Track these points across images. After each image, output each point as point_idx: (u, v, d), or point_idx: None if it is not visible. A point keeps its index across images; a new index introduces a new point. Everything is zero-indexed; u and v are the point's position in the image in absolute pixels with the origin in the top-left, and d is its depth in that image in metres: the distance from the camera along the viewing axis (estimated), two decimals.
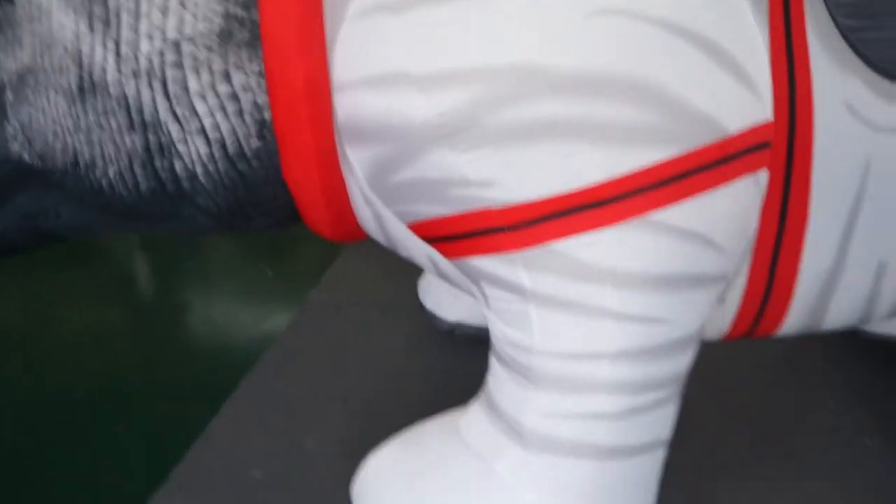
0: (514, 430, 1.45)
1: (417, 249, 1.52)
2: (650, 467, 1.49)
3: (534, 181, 1.28)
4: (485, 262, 1.39)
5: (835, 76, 1.34)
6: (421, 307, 2.43)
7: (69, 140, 1.44)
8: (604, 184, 1.26)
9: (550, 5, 1.23)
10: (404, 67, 1.27)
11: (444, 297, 2.31)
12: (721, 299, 1.51)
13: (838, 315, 1.60)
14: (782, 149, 1.35)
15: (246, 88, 1.36)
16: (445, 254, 1.44)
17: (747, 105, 1.30)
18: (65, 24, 1.35)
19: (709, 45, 1.27)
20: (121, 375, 2.32)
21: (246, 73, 1.35)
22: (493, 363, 1.50)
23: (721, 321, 1.58)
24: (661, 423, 1.45)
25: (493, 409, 1.49)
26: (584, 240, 1.30)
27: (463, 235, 1.38)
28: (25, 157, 1.46)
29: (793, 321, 1.60)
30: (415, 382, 2.16)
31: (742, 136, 1.30)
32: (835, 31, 1.33)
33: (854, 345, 2.25)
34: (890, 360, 2.14)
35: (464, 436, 1.53)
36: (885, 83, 1.35)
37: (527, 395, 1.43)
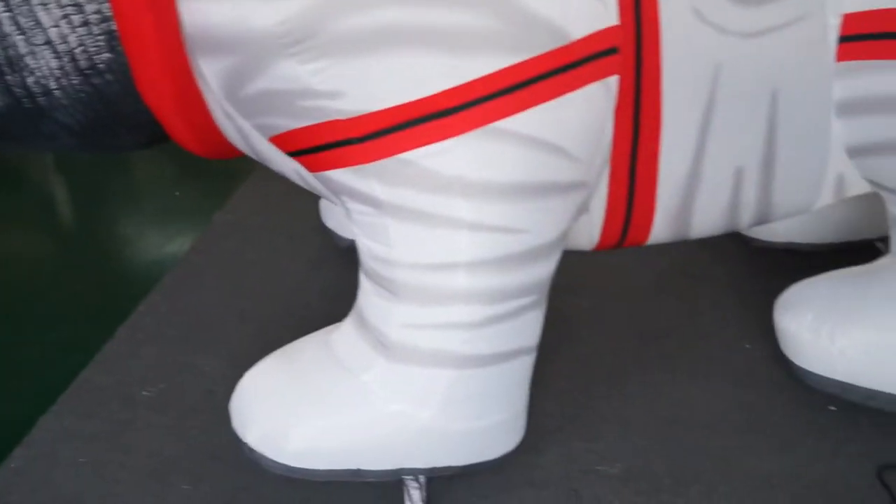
0: (379, 343, 1.47)
1: (285, 164, 1.51)
2: (515, 374, 1.52)
3: (380, 91, 1.27)
4: (342, 176, 1.38)
5: None
6: (323, 227, 2.43)
7: None
8: (448, 92, 1.26)
9: None
10: None
11: (344, 215, 2.31)
12: (584, 208, 1.52)
13: (704, 222, 1.63)
14: (630, 54, 1.35)
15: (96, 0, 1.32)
16: (307, 167, 1.43)
17: (591, 10, 1.30)
18: None
19: None
20: (24, 297, 2.30)
21: None
22: (362, 277, 1.51)
23: (589, 230, 1.60)
24: (524, 330, 1.48)
25: (362, 323, 1.51)
26: (433, 150, 1.30)
27: (318, 148, 1.37)
28: None
29: (660, 228, 1.62)
30: (313, 300, 2.17)
31: (587, 42, 1.30)
32: None
33: (742, 252, 2.29)
34: (774, 267, 2.18)
35: (335, 350, 1.54)
36: None
37: (390, 307, 1.44)
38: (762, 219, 1.68)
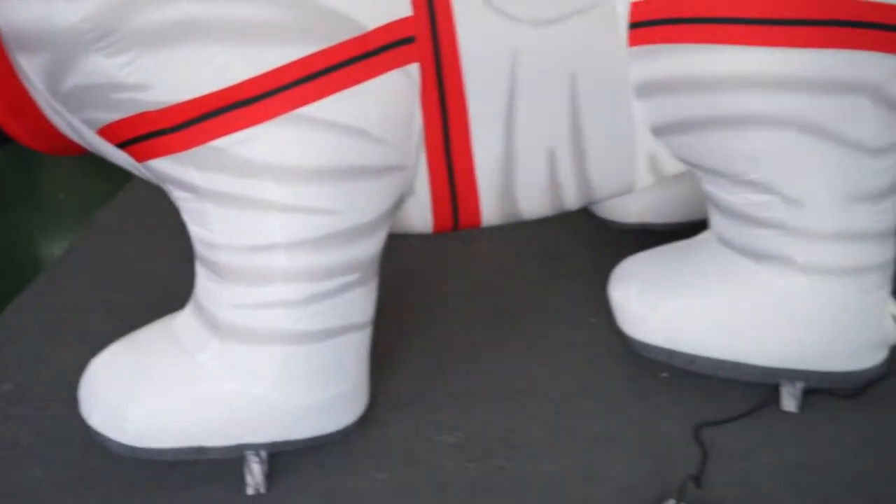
0: (212, 324, 1.54)
1: (118, 156, 1.57)
2: (348, 350, 1.60)
3: (186, 82, 1.35)
4: (163, 165, 1.45)
5: None
6: None
7: None
8: (249, 81, 1.34)
9: None
10: None
11: None
12: (410, 191, 1.61)
13: (531, 202, 1.73)
14: (428, 43, 1.44)
15: None
16: (134, 158, 1.50)
17: (383, 2, 1.39)
18: None
19: None
20: None
21: None
22: (196, 263, 1.58)
23: (421, 214, 1.69)
24: (351, 307, 1.56)
25: (198, 306, 1.58)
26: (241, 137, 1.37)
27: (136, 139, 1.44)
28: None
29: (489, 210, 1.72)
30: (184, 290, 2.22)
31: (381, 32, 1.38)
32: None
33: (601, 234, 2.40)
34: (629, 247, 2.28)
35: (175, 333, 1.61)
36: None
37: (218, 289, 1.51)
38: (588, 198, 1.78)
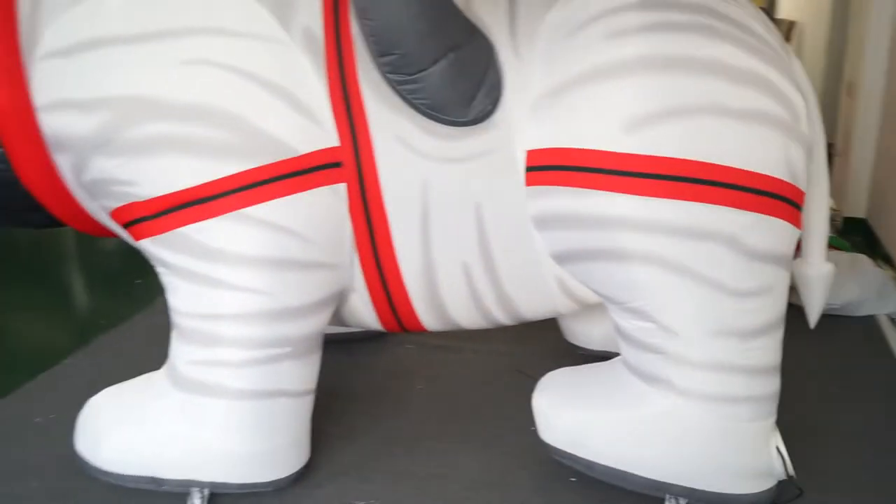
0: (174, 376, 1.92)
1: (127, 237, 2.02)
2: (281, 413, 1.93)
3: (159, 181, 1.79)
4: (147, 244, 1.88)
5: (387, 116, 1.82)
6: None
7: None
8: (205, 185, 1.76)
9: (157, 55, 1.76)
10: (71, 95, 1.80)
11: None
12: (348, 286, 1.97)
13: (460, 311, 2.04)
14: (353, 168, 1.83)
15: None
16: (133, 238, 1.94)
17: (313, 133, 1.79)
18: None
19: (277, 88, 1.77)
20: None
21: None
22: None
23: (367, 310, 2.04)
24: (283, 376, 1.90)
25: (168, 362, 1.97)
26: (199, 227, 1.79)
27: (130, 223, 1.88)
28: None
29: (426, 315, 2.05)
30: None
31: (311, 156, 1.79)
32: (384, 84, 1.81)
33: (572, 358, 2.65)
34: None
35: (152, 383, 1.99)
36: (429, 123, 1.83)
37: (178, 346, 1.91)
38: (515, 314, 2.08)
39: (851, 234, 3.96)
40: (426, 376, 2.62)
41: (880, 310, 3.07)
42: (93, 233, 2.17)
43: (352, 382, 2.57)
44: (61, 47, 1.79)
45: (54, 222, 2.17)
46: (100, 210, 1.98)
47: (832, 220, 4.09)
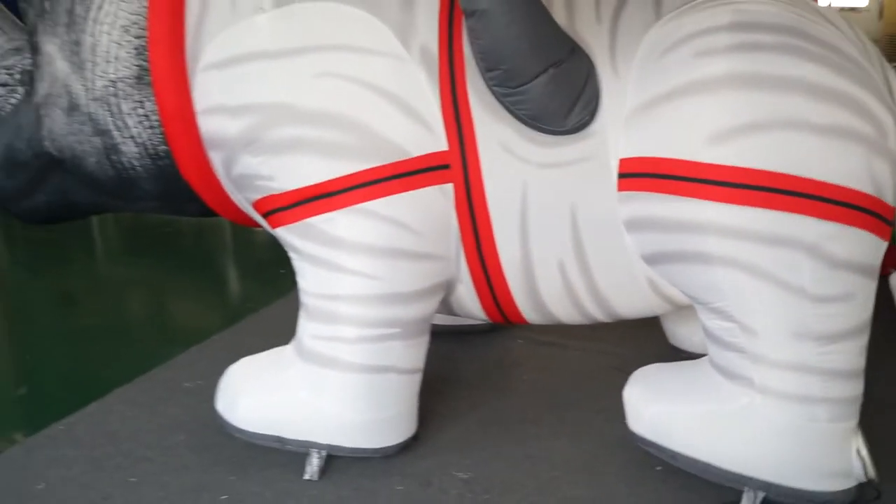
0: (299, 349, 2.19)
1: (266, 224, 2.32)
2: (389, 387, 2.16)
3: (293, 177, 2.06)
4: (281, 232, 2.17)
5: (492, 125, 2.03)
6: None
7: (68, 141, 2.35)
8: (330, 181, 2.02)
9: (295, 68, 2.03)
10: (224, 102, 2.10)
11: None
12: (455, 277, 2.19)
13: (559, 307, 2.22)
14: (459, 171, 2.05)
15: (152, 112, 2.22)
16: (270, 226, 2.23)
17: (425, 139, 2.02)
18: (60, 67, 2.28)
19: (396, 99, 2.01)
20: None
21: (152, 102, 2.21)
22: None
23: (472, 301, 2.26)
24: (392, 354, 2.13)
25: (295, 336, 2.25)
26: (324, 218, 2.05)
27: (269, 213, 2.17)
28: (53, 151, 2.39)
29: (526, 309, 2.24)
30: None
31: (422, 159, 2.02)
32: (490, 94, 2.02)
33: (674, 356, 2.76)
34: None
35: (284, 351, 2.26)
36: (530, 131, 2.02)
37: (304, 323, 2.18)
38: (610, 312, 2.24)
39: None
40: (532, 367, 2.81)
41: None
42: (237, 221, 2.48)
43: (461, 369, 2.79)
44: (218, 61, 2.10)
45: (206, 212, 2.50)
46: (244, 201, 2.28)
47: None
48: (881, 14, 9.25)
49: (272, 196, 2.12)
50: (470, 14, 1.96)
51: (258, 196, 2.17)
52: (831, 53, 1.91)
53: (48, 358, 3.21)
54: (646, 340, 2.88)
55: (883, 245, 1.98)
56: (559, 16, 2.07)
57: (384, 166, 2.02)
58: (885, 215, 1.95)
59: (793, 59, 1.90)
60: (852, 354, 1.98)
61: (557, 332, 2.97)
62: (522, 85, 1.98)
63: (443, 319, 2.87)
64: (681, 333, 2.76)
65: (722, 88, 1.90)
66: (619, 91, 2.02)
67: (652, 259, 2.07)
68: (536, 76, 1.97)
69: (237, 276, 4.17)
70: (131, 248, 4.50)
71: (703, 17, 1.98)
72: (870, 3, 9.60)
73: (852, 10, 9.65)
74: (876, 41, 8.13)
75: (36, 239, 4.54)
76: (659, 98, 1.97)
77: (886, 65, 2.08)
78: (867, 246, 1.93)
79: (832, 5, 9.35)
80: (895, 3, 8.81)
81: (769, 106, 1.88)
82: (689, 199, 1.94)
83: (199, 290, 3.90)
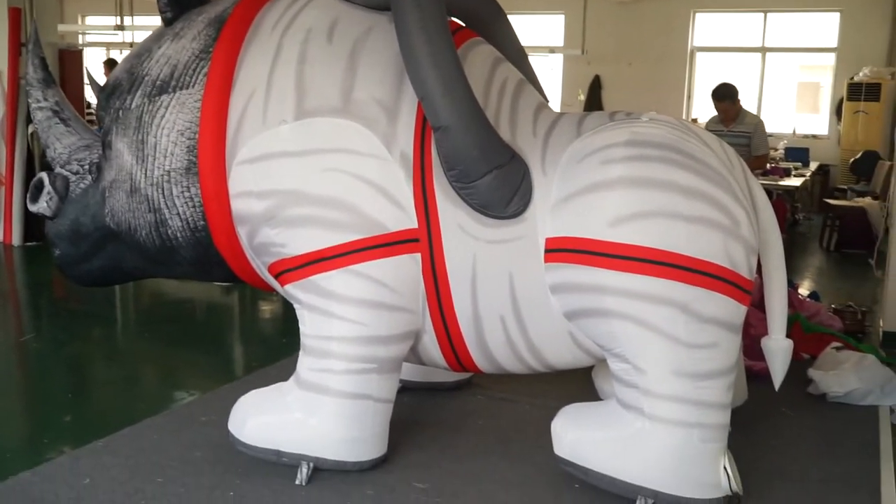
0: (297, 378, 2.82)
1: (276, 285, 2.98)
2: (367, 412, 2.76)
3: (301, 244, 2.73)
4: (288, 288, 2.83)
5: (451, 210, 2.70)
6: None
7: (125, 217, 3.04)
8: (329, 248, 2.69)
9: (307, 164, 2.73)
10: (252, 188, 2.79)
11: None
12: (422, 328, 2.84)
13: (503, 356, 2.85)
14: (426, 243, 2.72)
15: (196, 195, 2.91)
16: (281, 284, 2.90)
17: (402, 218, 2.70)
18: (127, 160, 2.99)
19: (381, 189, 2.70)
20: None
21: (196, 187, 2.90)
22: None
23: (434, 349, 2.90)
24: (371, 385, 2.75)
25: (296, 370, 2.88)
26: (323, 276, 2.72)
27: (280, 273, 2.84)
28: (112, 225, 3.08)
29: (477, 356, 2.87)
30: None
31: (399, 233, 2.70)
32: (451, 187, 2.71)
33: None
34: None
35: (288, 382, 2.89)
36: (480, 216, 2.69)
37: (302, 358, 2.82)
38: (544, 362, 2.86)
39: (891, 346, 4.48)
40: (486, 414, 3.42)
41: (883, 402, 3.64)
42: (253, 283, 3.14)
43: (428, 413, 3.40)
44: (250, 157, 2.80)
45: (229, 276, 3.16)
46: (261, 265, 2.95)
47: (873, 332, 4.70)
48: (839, 141, 10.20)
49: (284, 259, 2.79)
50: (436, 129, 2.67)
51: (272, 259, 2.84)
52: (699, 164, 2.62)
53: (89, 398, 3.82)
54: (583, 397, 3.48)
55: (742, 308, 2.63)
56: (504, 132, 2.79)
57: (370, 238, 2.70)
58: (741, 285, 2.61)
59: (670, 168, 2.59)
60: (721, 390, 2.60)
61: (511, 390, 3.60)
62: (474, 182, 2.67)
63: (416, 376, 3.52)
64: (606, 389, 3.37)
65: (619, 187, 2.59)
66: (546, 187, 2.71)
67: (570, 315, 2.72)
68: (484, 175, 2.67)
69: (246, 343, 4.81)
70: (156, 319, 5.17)
71: (608, 135, 2.69)
72: (829, 132, 10.59)
73: (814, 137, 10.61)
74: (835, 165, 8.99)
75: (78, 312, 5.24)
76: (575, 193, 2.65)
77: (749, 173, 2.79)
78: (727, 307, 2.58)
79: (796, 133, 10.30)
80: (851, 133, 9.71)
81: (652, 201, 2.56)
82: (595, 268, 2.60)
83: (214, 352, 4.53)
